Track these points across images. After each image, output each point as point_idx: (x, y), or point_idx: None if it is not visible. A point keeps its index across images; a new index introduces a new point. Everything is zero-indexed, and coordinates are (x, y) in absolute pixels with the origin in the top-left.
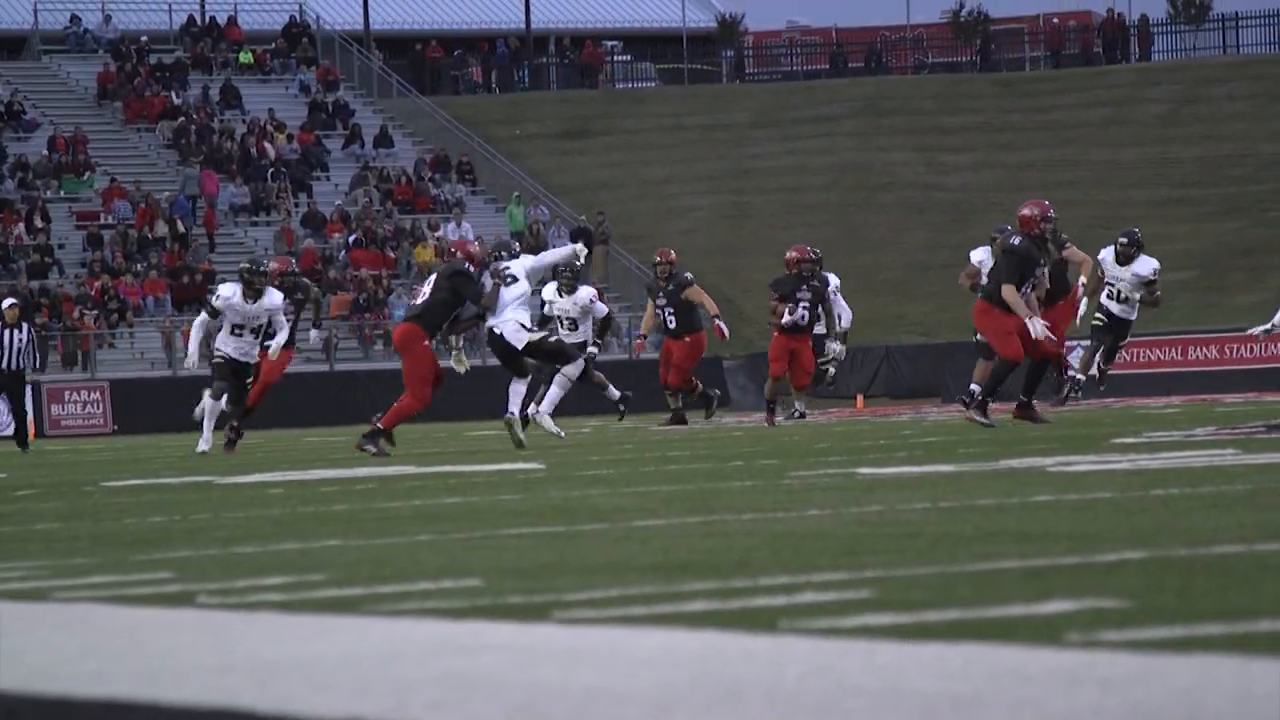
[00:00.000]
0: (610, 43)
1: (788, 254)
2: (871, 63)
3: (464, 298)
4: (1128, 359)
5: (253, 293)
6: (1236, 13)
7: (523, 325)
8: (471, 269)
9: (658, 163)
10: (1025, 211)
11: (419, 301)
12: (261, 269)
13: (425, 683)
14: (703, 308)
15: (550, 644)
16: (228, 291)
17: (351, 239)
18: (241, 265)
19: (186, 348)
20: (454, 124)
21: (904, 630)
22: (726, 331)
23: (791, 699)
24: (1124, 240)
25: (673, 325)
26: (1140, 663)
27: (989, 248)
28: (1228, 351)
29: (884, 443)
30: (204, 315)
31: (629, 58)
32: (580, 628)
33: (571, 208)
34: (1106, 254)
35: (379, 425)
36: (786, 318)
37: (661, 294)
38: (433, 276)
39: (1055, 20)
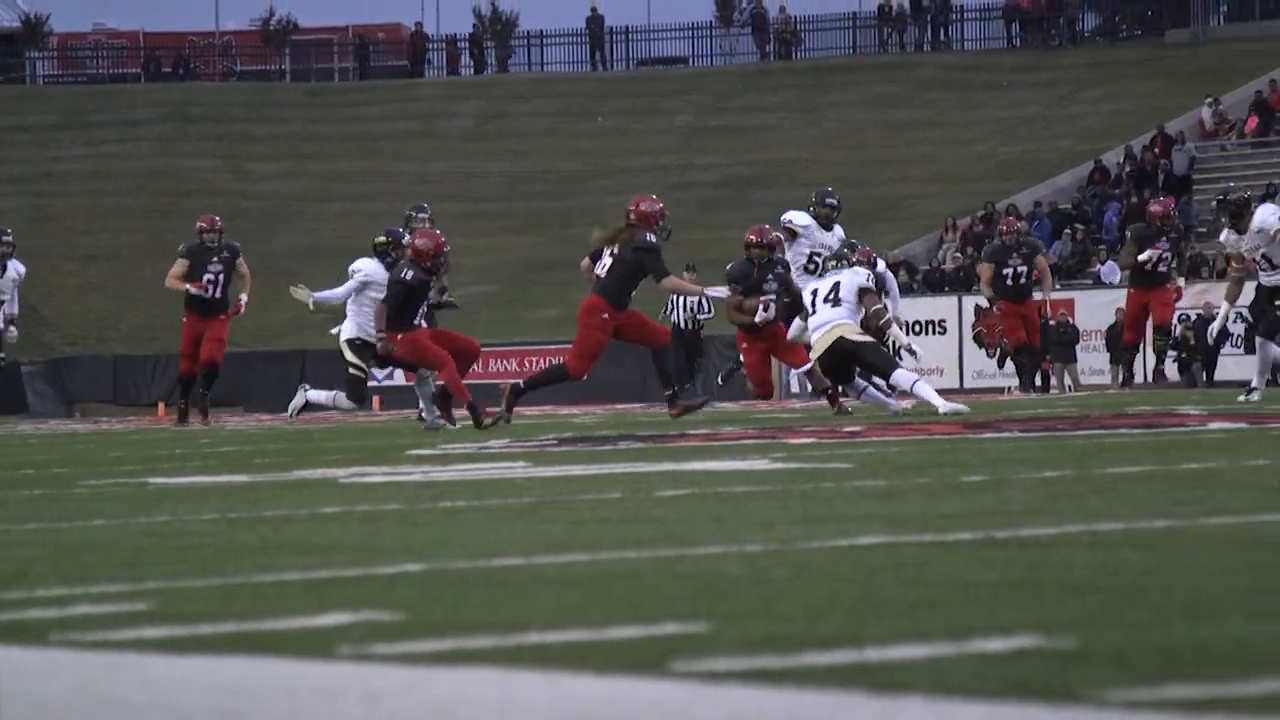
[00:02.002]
0: None
1: (747, 236)
2: (180, 69)
3: (649, 272)
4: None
5: None
6: (542, 31)
7: None
8: (655, 241)
9: None
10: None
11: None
12: None
13: None
14: None
15: None
16: None
17: None
18: None
19: None
20: None
21: (179, 643)
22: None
23: (56, 713)
24: None
25: None
26: (407, 675)
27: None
28: (528, 364)
29: (180, 452)
30: None
31: None
32: None
33: None
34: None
35: (520, 384)
36: (761, 315)
37: None
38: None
39: (364, 32)
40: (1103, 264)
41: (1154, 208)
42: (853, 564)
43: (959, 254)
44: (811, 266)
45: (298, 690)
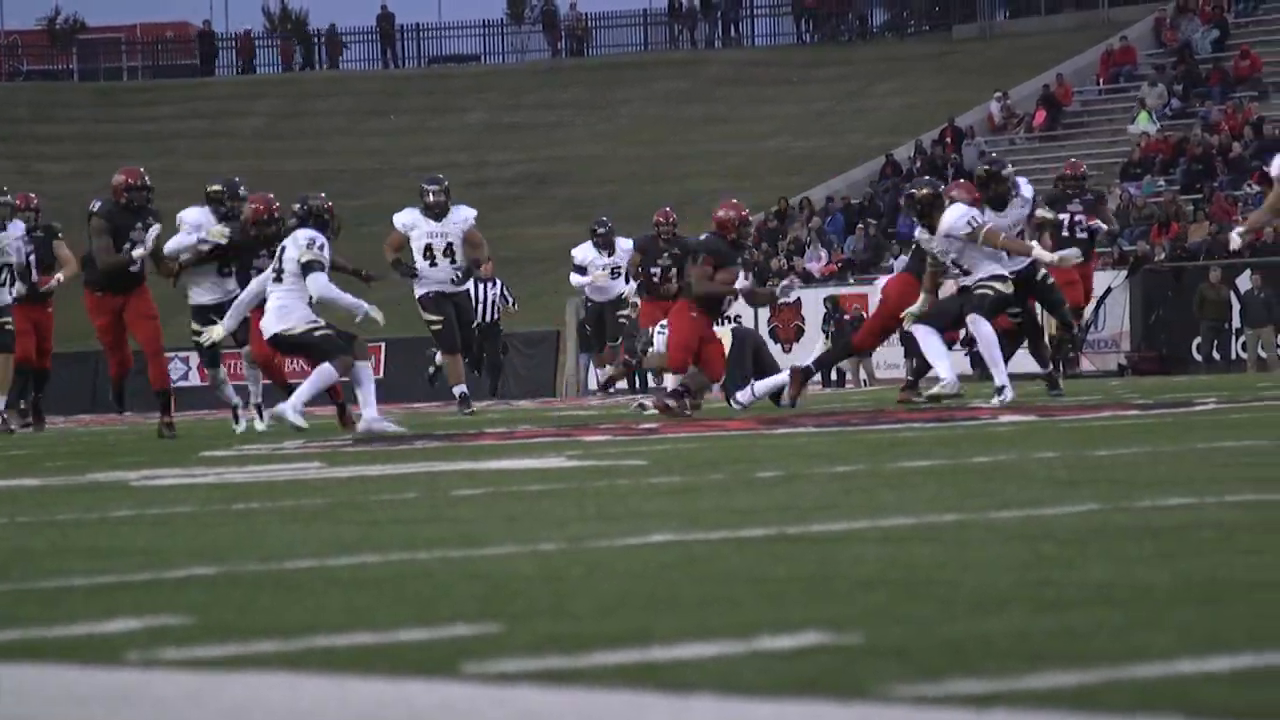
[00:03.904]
0: None
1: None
2: None
3: None
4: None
5: None
6: (333, 26)
7: None
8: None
9: None
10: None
11: None
12: None
13: None
14: None
15: None
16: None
17: None
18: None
19: None
20: None
21: None
22: None
23: None
24: None
25: None
26: (196, 681)
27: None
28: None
29: None
30: None
31: None
32: None
33: None
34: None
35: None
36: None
37: None
38: None
39: (153, 31)
40: (895, 259)
41: (1065, 169)
42: (645, 562)
43: (753, 249)
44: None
45: (86, 698)
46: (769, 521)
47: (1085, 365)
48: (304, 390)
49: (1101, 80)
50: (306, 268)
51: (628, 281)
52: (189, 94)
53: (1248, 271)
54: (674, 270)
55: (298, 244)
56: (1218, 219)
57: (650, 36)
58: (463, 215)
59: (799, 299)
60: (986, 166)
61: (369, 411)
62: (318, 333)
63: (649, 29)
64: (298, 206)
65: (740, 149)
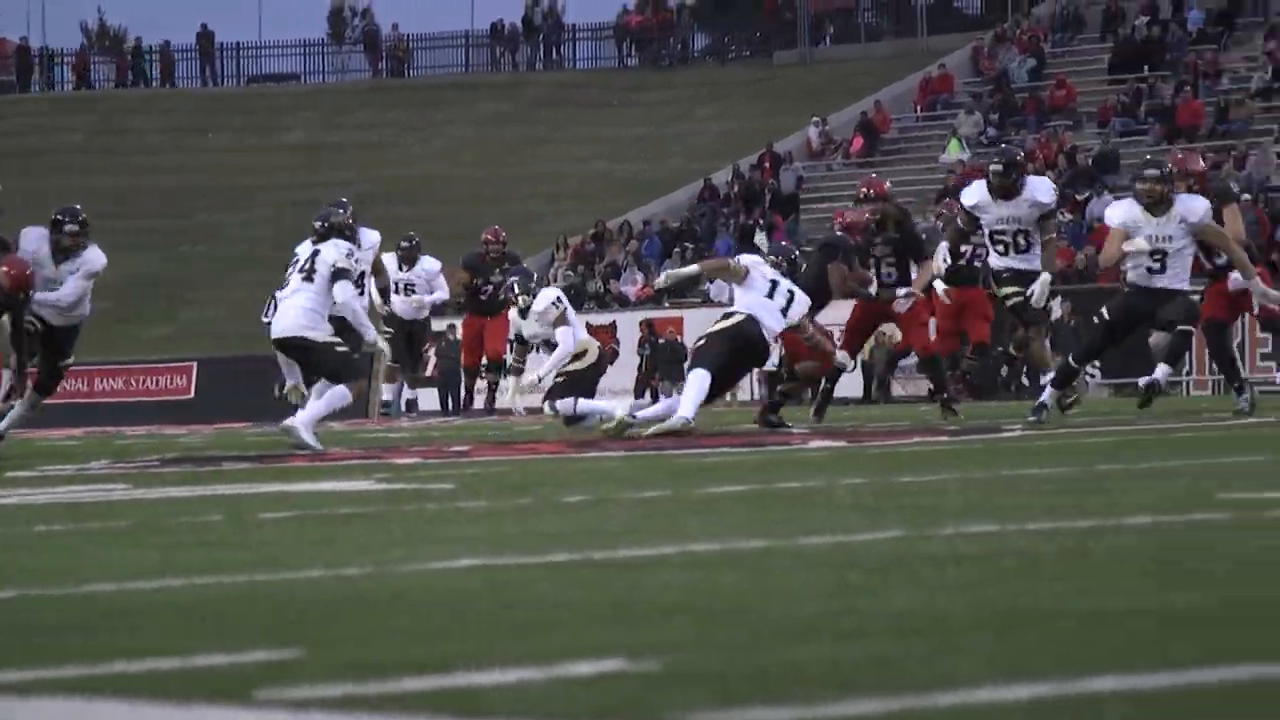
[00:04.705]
0: None
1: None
2: None
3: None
4: None
5: None
6: (151, 46)
7: None
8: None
9: None
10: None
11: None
12: None
13: None
14: None
15: None
16: None
17: None
18: None
19: None
20: None
21: None
22: None
23: None
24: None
25: None
26: None
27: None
28: (134, 383)
29: None
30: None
31: None
32: None
33: None
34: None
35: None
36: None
37: None
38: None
39: None
40: (711, 283)
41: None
42: (450, 587)
43: (570, 272)
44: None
45: None
46: (575, 546)
47: (896, 390)
48: (318, 409)
49: (919, 108)
50: (338, 274)
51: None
52: (4, 110)
53: (1058, 299)
54: (510, 286)
55: (339, 250)
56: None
57: (472, 58)
58: (370, 240)
59: (614, 321)
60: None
61: (306, 416)
62: (339, 349)
63: (470, 50)
64: (319, 224)
65: (561, 171)
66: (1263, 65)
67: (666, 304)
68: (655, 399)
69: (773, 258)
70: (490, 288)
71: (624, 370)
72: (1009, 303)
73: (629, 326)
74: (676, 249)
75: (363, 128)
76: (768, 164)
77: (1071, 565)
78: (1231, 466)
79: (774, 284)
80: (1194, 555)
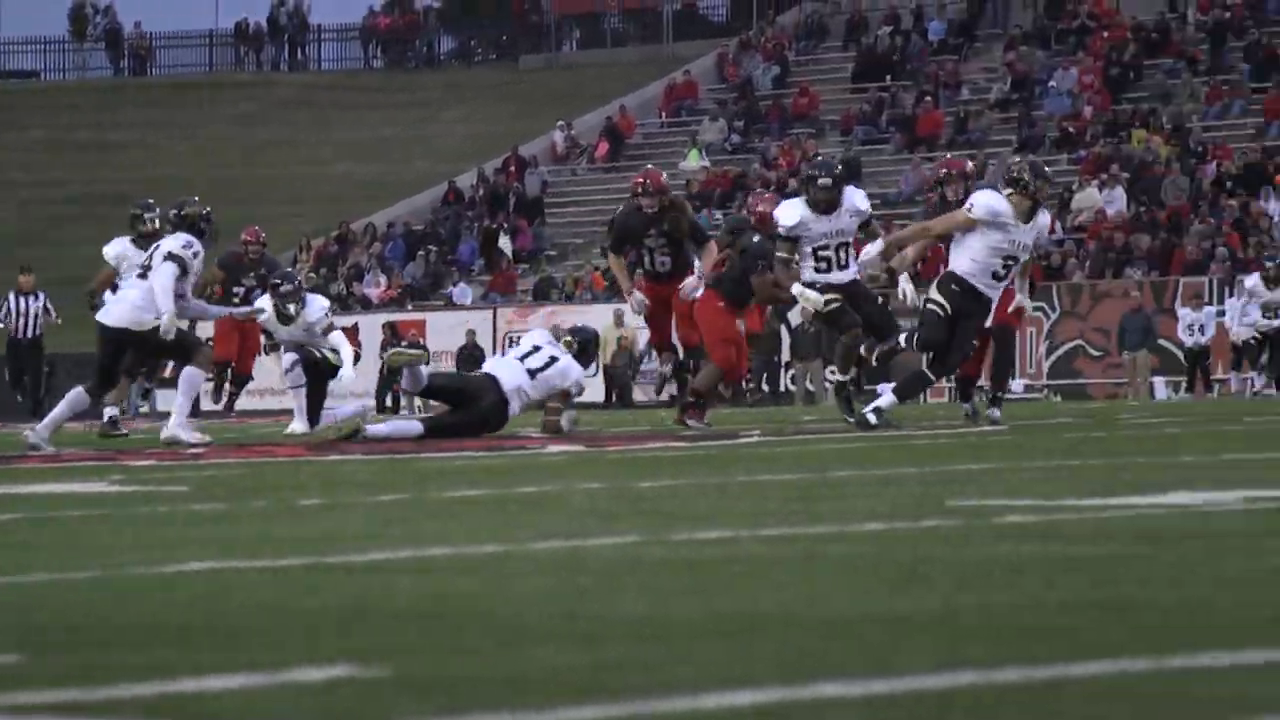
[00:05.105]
0: None
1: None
2: None
3: None
4: None
5: None
6: None
7: None
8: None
9: None
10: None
11: None
12: None
13: None
14: None
15: None
16: None
17: None
18: None
19: None
20: None
21: None
22: None
23: None
24: None
25: None
26: None
27: None
28: None
29: None
30: None
31: None
32: None
33: None
34: None
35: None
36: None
37: None
38: None
39: None
40: (455, 286)
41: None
42: (180, 591)
43: (313, 274)
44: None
45: None
46: (308, 551)
47: (638, 396)
48: (182, 401)
49: (664, 113)
50: (169, 257)
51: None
52: None
53: (797, 306)
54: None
55: (178, 240)
56: None
57: (216, 58)
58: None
59: (356, 324)
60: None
61: (175, 418)
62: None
63: (215, 50)
64: (173, 212)
65: (306, 173)
66: (1002, 76)
67: (410, 307)
68: (397, 403)
69: (568, 337)
70: (243, 290)
71: (366, 373)
72: (829, 308)
73: (371, 329)
74: (421, 251)
75: (104, 127)
76: (513, 167)
77: (802, 572)
78: (963, 474)
79: (536, 349)
80: (923, 562)
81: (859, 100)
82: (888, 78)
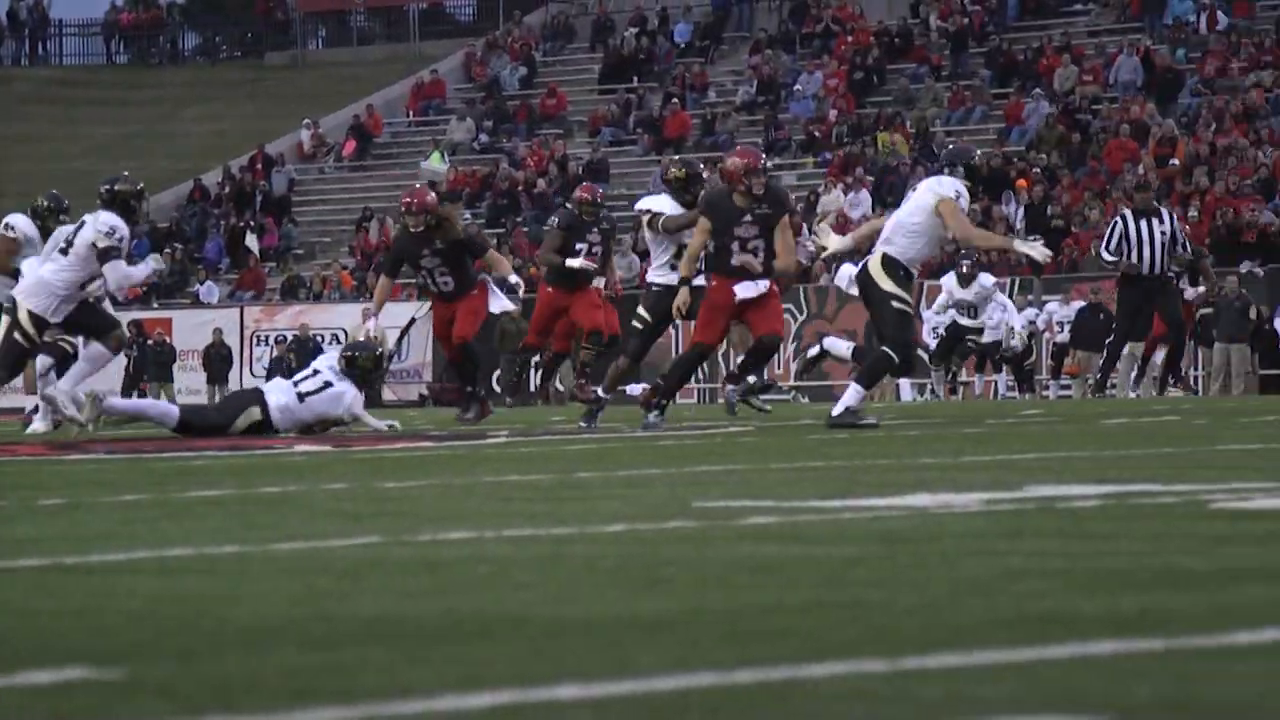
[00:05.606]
0: None
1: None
2: None
3: None
4: None
5: None
6: None
7: None
8: None
9: None
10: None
11: None
12: None
13: None
14: None
15: None
16: None
17: None
18: None
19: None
20: None
21: None
22: None
23: None
24: None
25: None
26: None
27: None
28: None
29: None
30: None
31: None
32: None
33: None
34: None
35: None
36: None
37: None
38: None
39: None
40: (202, 284)
41: (579, 193)
42: None
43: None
44: None
45: None
46: (46, 552)
47: (387, 395)
48: (82, 370)
49: (412, 112)
50: (104, 255)
51: None
52: None
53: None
54: None
55: (97, 227)
56: (524, 255)
57: None
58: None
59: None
60: (684, 168)
61: (67, 383)
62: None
63: None
64: (104, 189)
65: (48, 170)
66: (747, 79)
67: (156, 305)
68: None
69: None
70: None
71: (112, 371)
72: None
73: None
74: (166, 249)
75: None
76: (259, 165)
77: (544, 572)
78: (709, 475)
79: (316, 373)
80: (664, 563)
81: (607, 101)
82: (635, 79)
